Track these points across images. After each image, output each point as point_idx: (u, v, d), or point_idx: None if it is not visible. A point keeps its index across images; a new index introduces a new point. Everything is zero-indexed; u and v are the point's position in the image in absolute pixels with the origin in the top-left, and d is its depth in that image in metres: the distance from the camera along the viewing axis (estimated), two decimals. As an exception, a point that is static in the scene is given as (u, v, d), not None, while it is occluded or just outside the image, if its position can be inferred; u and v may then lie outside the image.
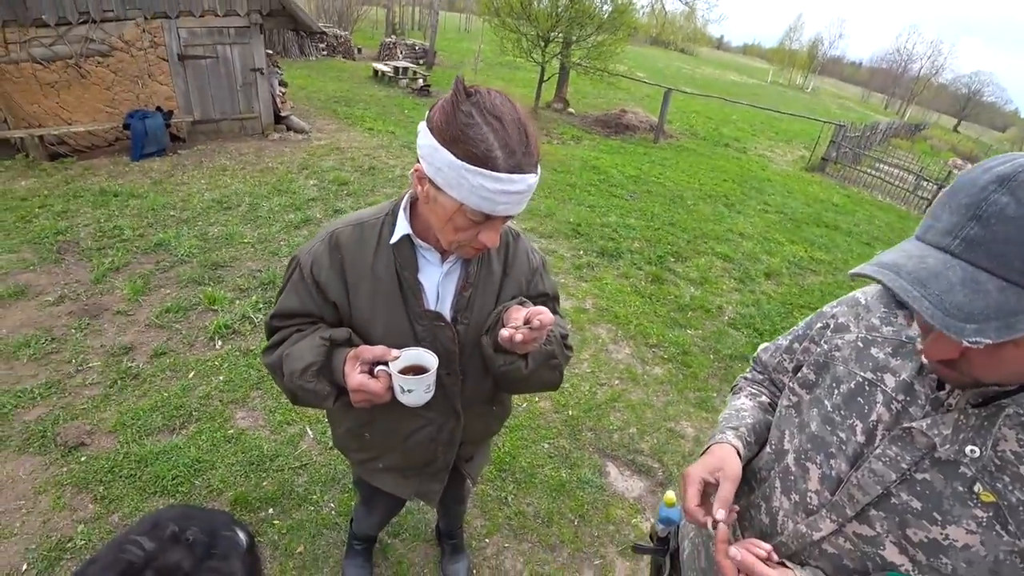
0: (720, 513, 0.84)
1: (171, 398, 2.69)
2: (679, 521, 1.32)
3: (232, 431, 2.56)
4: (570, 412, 3.03)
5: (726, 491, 0.86)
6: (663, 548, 1.33)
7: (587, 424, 2.97)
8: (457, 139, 0.85)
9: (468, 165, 0.84)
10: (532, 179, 0.90)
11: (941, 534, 0.70)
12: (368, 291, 1.07)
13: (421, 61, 15.58)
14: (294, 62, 12.95)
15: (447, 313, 1.11)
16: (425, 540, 2.20)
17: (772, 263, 5.78)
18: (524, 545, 2.27)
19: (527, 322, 0.97)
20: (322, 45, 14.77)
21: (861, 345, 0.85)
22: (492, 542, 2.26)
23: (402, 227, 1.05)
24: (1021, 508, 0.65)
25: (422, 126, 0.91)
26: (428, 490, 1.40)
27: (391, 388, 1.00)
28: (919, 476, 0.72)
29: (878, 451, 0.75)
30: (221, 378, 2.88)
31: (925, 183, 12.16)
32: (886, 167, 13.09)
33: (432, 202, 0.94)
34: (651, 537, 1.40)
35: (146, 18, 5.88)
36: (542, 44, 11.07)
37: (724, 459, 0.91)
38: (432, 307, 1.10)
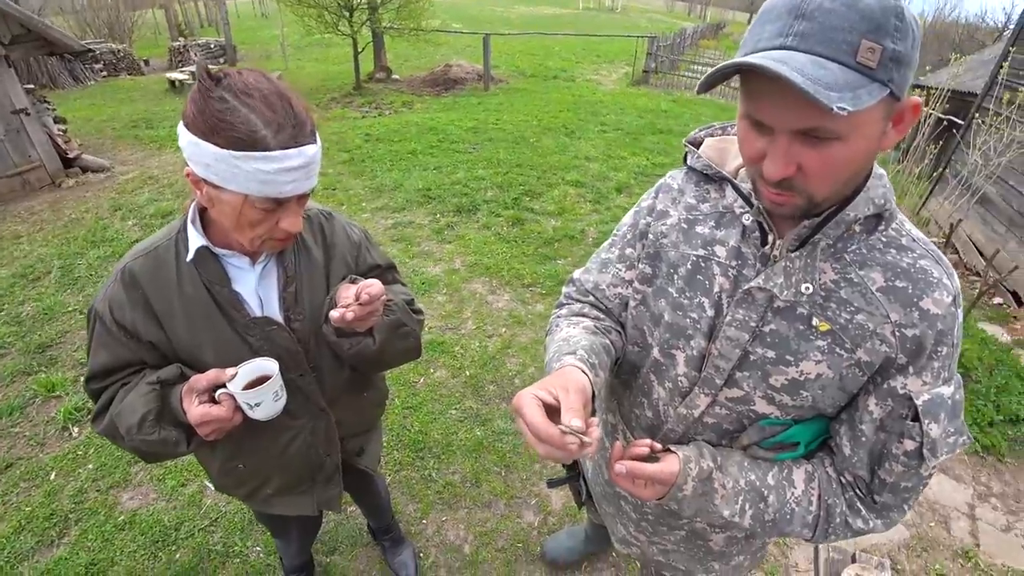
0: (575, 422, 0.67)
1: (36, 510, 2.37)
2: None
3: (122, 517, 2.32)
4: (467, 372, 3.09)
5: (572, 400, 0.70)
6: (575, 474, 1.36)
7: (487, 378, 3.06)
8: (216, 128, 0.79)
9: (235, 152, 0.79)
10: (311, 150, 0.86)
11: (796, 371, 0.79)
12: (183, 318, 0.99)
13: (222, 60, 14.15)
14: (68, 92, 11.15)
15: (277, 315, 1.06)
16: (363, 545, 2.18)
17: (620, 178, 6.15)
18: (461, 512, 2.33)
19: (357, 298, 0.95)
20: (98, 65, 12.80)
21: (685, 226, 0.89)
22: (430, 521, 2.29)
23: (195, 240, 0.96)
24: (849, 326, 0.75)
25: (180, 126, 0.85)
26: (328, 497, 1.36)
27: (238, 409, 0.95)
28: (766, 328, 0.79)
29: (728, 318, 0.82)
30: (90, 466, 2.58)
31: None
32: (699, 67, 14.24)
33: (217, 203, 0.88)
34: (563, 465, 1.45)
35: None
36: (347, 15, 10.47)
37: (561, 374, 0.78)
38: (259, 313, 1.04)
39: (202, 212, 1.01)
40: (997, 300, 5.17)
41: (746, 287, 0.79)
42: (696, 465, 0.84)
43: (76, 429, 2.81)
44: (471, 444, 2.64)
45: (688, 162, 0.93)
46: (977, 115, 6.65)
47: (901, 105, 0.64)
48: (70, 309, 3.78)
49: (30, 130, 5.88)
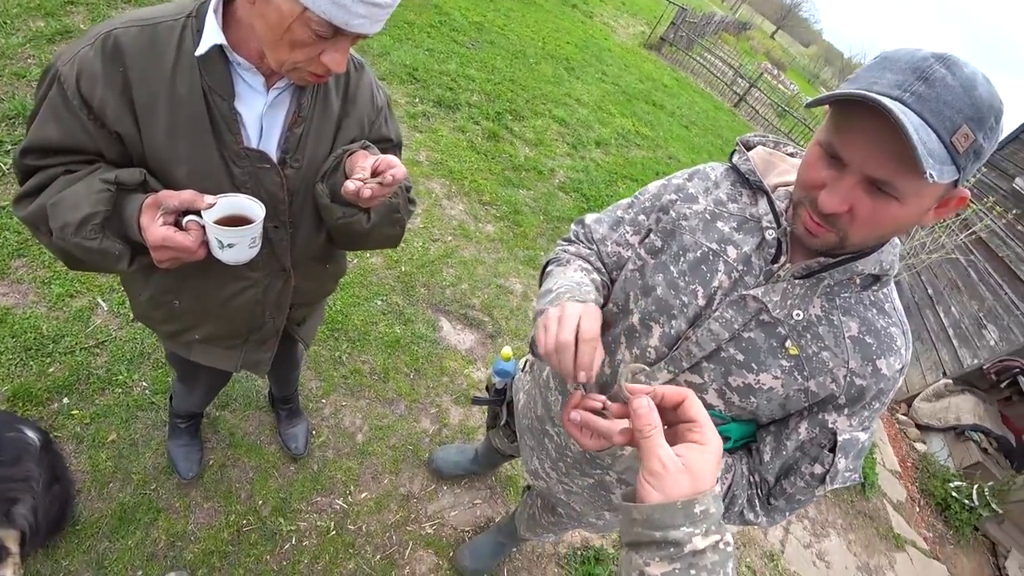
0: (582, 375, 0.78)
1: None
2: (514, 374, 1.39)
3: (-9, 310, 2.03)
4: (403, 268, 2.98)
5: (588, 355, 0.79)
6: (499, 399, 1.40)
7: (420, 280, 2.97)
8: None
9: None
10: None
11: (755, 380, 0.85)
12: (166, 119, 0.82)
13: None
14: None
15: (273, 153, 0.92)
16: (258, 408, 2.08)
17: (603, 132, 6.02)
18: (362, 402, 2.28)
19: (375, 173, 0.85)
20: None
21: (708, 217, 0.92)
22: (329, 402, 2.22)
23: (212, 34, 0.79)
24: (814, 359, 0.82)
25: None
26: (257, 360, 1.24)
27: (205, 243, 0.82)
28: (746, 335, 0.85)
29: (716, 313, 0.86)
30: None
31: (740, 80, 13.36)
32: (712, 58, 14.04)
33: (262, 3, 0.73)
34: (487, 388, 1.48)
35: None
36: None
37: (589, 309, 0.84)
38: (254, 144, 0.90)
39: (227, 3, 0.83)
40: None
41: (743, 292, 0.84)
42: None
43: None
44: (388, 339, 2.57)
45: (734, 160, 0.95)
46: None
47: (954, 192, 0.69)
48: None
49: None
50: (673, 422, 0.61)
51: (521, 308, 3.14)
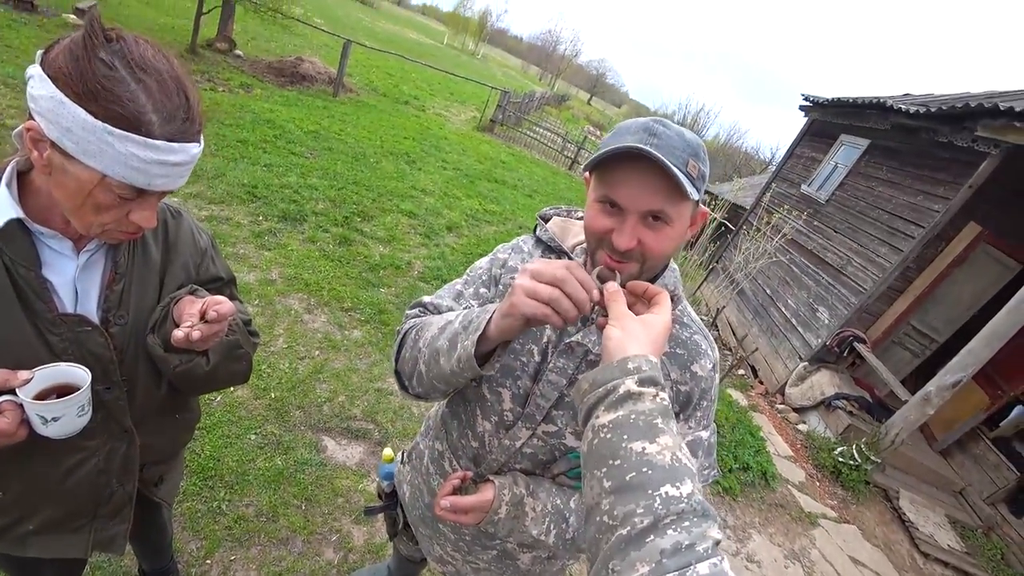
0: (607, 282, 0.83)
1: None
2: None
3: None
4: (272, 395, 2.88)
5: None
6: (392, 502, 1.39)
7: (293, 403, 2.88)
8: (96, 94, 0.68)
9: (113, 128, 0.69)
10: (196, 149, 0.78)
11: None
12: None
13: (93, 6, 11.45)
14: None
15: (93, 314, 0.90)
16: None
17: (452, 217, 6.38)
18: (253, 551, 2.11)
19: (203, 316, 0.86)
20: None
21: None
22: (215, 561, 2.03)
23: (7, 209, 0.79)
24: None
25: (35, 71, 0.71)
26: (111, 536, 1.13)
27: (26, 421, 0.79)
28: (580, 377, 0.95)
29: (551, 364, 0.96)
30: None
31: (568, 144, 14.95)
32: (541, 130, 15.59)
33: (59, 172, 0.74)
34: (379, 495, 1.46)
35: None
36: (192, -32, 9.32)
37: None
38: (70, 309, 0.87)
39: (21, 175, 0.82)
40: (741, 371, 6.50)
41: (568, 340, 0.95)
42: (509, 491, 0.99)
43: None
44: (270, 474, 2.43)
45: (537, 232, 1.12)
46: (745, 226, 8.46)
47: (698, 211, 0.88)
48: None
49: None
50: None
51: (404, 407, 3.14)
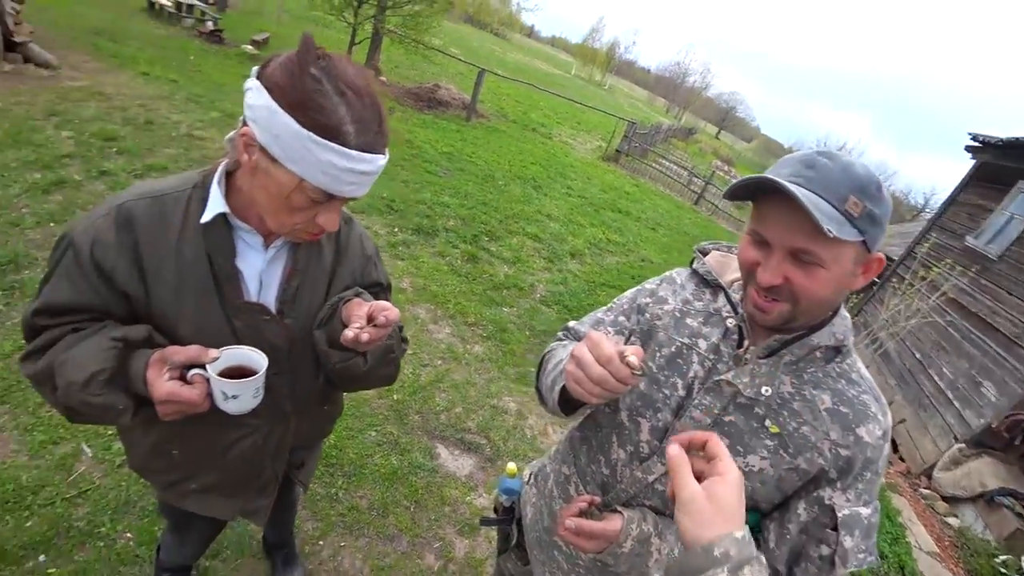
0: (633, 358, 0.78)
1: None
2: (520, 490, 1.38)
3: (-37, 465, 1.94)
4: (395, 397, 2.94)
5: (632, 348, 0.82)
6: (509, 517, 1.39)
7: (413, 407, 2.93)
8: (304, 105, 0.74)
9: (316, 136, 0.74)
10: (382, 160, 0.83)
11: (743, 463, 0.88)
12: (172, 280, 0.89)
13: (211, 1, 13.45)
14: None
15: (271, 305, 0.98)
16: (252, 555, 1.94)
17: (576, 244, 6.29)
18: (361, 540, 2.16)
19: (371, 319, 0.90)
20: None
21: (678, 315, 1.01)
22: (327, 543, 2.10)
23: (216, 204, 0.88)
24: (796, 435, 0.86)
25: (254, 83, 0.78)
26: (255, 508, 1.24)
27: (210, 395, 0.86)
28: (727, 418, 0.90)
29: (696, 401, 0.91)
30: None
31: (696, 179, 14.42)
32: (667, 163, 15.23)
33: (263, 175, 0.81)
34: (495, 509, 1.45)
35: None
36: (355, 4, 10.33)
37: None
38: (254, 298, 0.96)
39: (227, 176, 0.92)
40: None
41: (717, 378, 0.90)
42: (638, 527, 0.93)
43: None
44: (385, 471, 2.48)
45: (694, 265, 1.08)
46: (893, 279, 7.45)
47: (870, 256, 0.81)
48: (-42, 207, 3.27)
49: (-27, 0, 5.22)
50: (702, 470, 0.70)
51: (517, 427, 3.09)
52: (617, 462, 1.03)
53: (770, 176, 0.76)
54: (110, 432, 2.19)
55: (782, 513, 0.90)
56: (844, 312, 0.90)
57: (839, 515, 0.83)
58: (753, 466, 0.88)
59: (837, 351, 0.89)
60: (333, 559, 2.07)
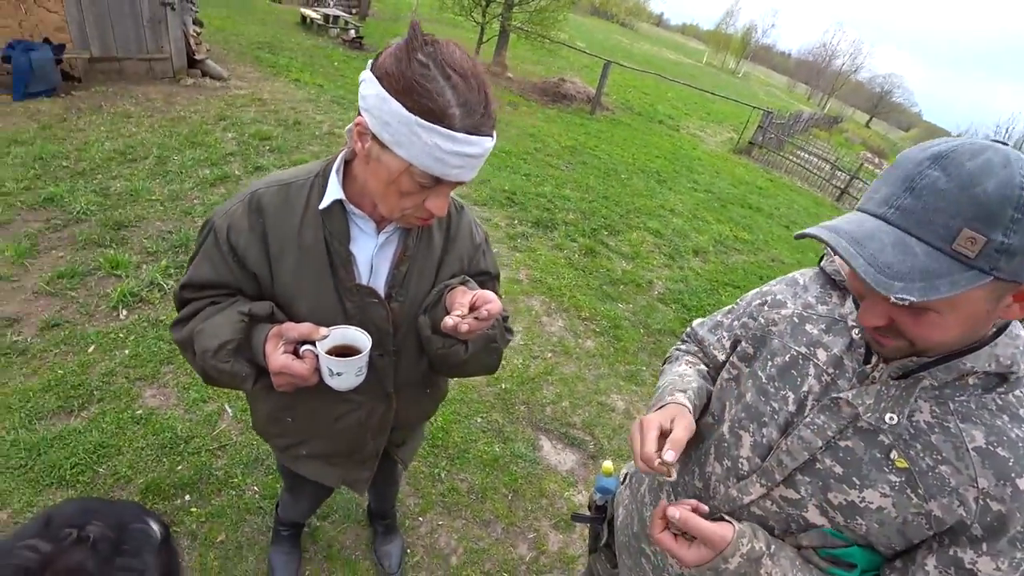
0: (669, 455, 0.82)
1: (67, 376, 2.42)
2: (615, 490, 1.35)
3: (140, 411, 2.34)
4: (503, 385, 3.02)
5: (679, 435, 0.85)
6: (601, 516, 1.36)
7: (520, 397, 2.98)
8: (411, 90, 0.76)
9: (422, 120, 0.76)
10: (489, 143, 0.83)
11: (858, 497, 0.76)
12: (293, 262, 0.97)
13: (354, 11, 14.64)
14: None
15: (381, 289, 1.03)
16: (356, 521, 2.13)
17: (700, 240, 5.99)
18: (458, 522, 2.26)
19: (473, 308, 0.91)
20: (242, -17, 13.50)
21: (797, 320, 0.90)
22: (426, 520, 2.23)
23: (334, 191, 0.94)
24: (929, 474, 0.71)
25: (367, 74, 0.81)
26: (356, 478, 1.33)
27: (318, 370, 0.93)
28: (842, 443, 0.78)
29: (807, 419, 0.80)
30: (126, 352, 2.63)
31: (839, 173, 13.02)
32: (806, 155, 13.87)
33: (374, 162, 0.85)
34: (589, 507, 1.44)
35: (28, -67, 5.09)
36: (483, 3, 10.68)
37: (680, 412, 0.91)
38: (364, 281, 1.01)
39: (345, 165, 0.98)
40: None
41: (834, 395, 0.78)
42: (749, 542, 0.81)
43: (125, 312, 2.87)
44: (487, 457, 2.57)
45: (822, 263, 0.95)
46: None
47: (1021, 288, 0.62)
48: (154, 197, 3.91)
49: (170, 23, 6.19)
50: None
51: (624, 426, 3.02)
52: (711, 476, 0.95)
53: (825, 236, 0.63)
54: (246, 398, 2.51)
55: (905, 564, 0.76)
56: (1017, 329, 0.72)
57: None
58: (871, 502, 0.75)
59: (1002, 379, 0.71)
60: (430, 535, 2.18)
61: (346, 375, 0.93)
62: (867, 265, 0.60)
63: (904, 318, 0.65)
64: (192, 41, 6.46)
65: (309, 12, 11.70)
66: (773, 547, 0.83)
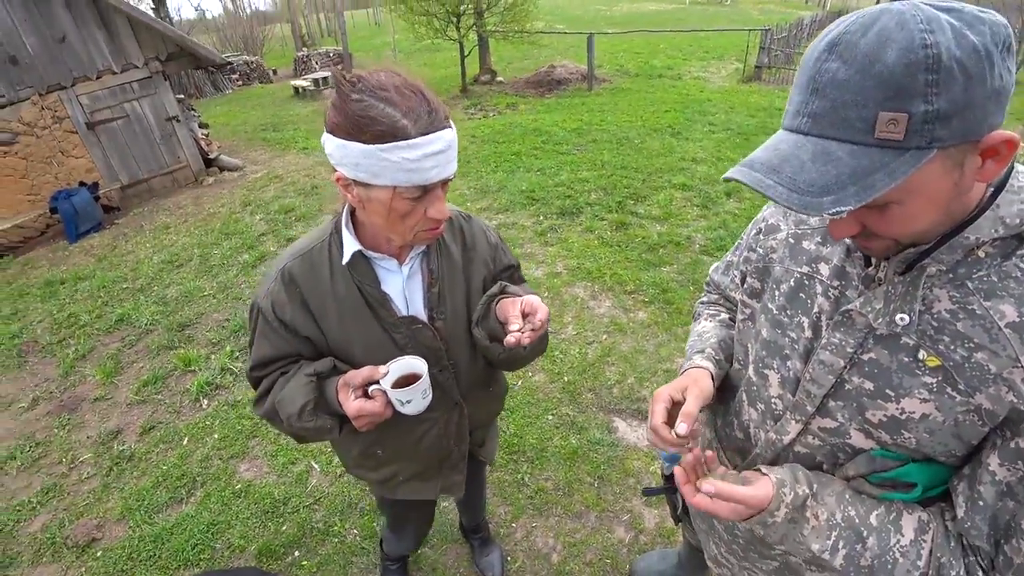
0: (682, 427, 0.84)
1: (171, 470, 2.65)
2: (680, 457, 1.34)
3: (239, 486, 2.53)
4: (566, 378, 3.03)
5: (691, 405, 0.87)
6: (672, 486, 1.31)
7: (585, 385, 2.98)
8: (359, 126, 0.82)
9: (382, 146, 0.82)
10: (448, 134, 0.88)
11: (897, 409, 0.71)
12: (336, 316, 1.06)
13: (340, 67, 15.17)
14: (210, 100, 12.53)
15: (422, 314, 1.11)
16: (454, 541, 2.20)
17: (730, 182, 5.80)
18: (551, 520, 2.28)
19: (525, 315, 0.99)
20: (235, 76, 14.30)
21: (792, 241, 0.86)
22: (519, 525, 2.27)
23: (350, 244, 1.02)
24: (966, 365, 0.65)
25: (324, 136, 0.89)
26: (453, 483, 1.41)
27: (390, 403, 1.00)
28: (865, 357, 0.73)
29: (824, 341, 0.76)
30: (216, 436, 2.84)
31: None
32: (818, 59, 13.14)
33: (367, 202, 0.91)
34: (663, 477, 1.42)
35: (41, 94, 5.61)
36: (454, 20, 10.82)
37: (694, 378, 0.93)
38: (404, 313, 1.09)
39: (351, 216, 1.06)
40: None
41: (844, 309, 0.73)
42: (791, 491, 0.77)
43: (206, 401, 3.10)
44: (566, 452, 2.58)
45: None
46: None
47: (983, 143, 0.54)
48: (206, 293, 4.19)
49: (180, 134, 6.64)
50: None
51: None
52: (749, 423, 0.93)
53: (737, 176, 0.61)
54: (329, 450, 2.64)
55: (972, 470, 0.70)
56: (1016, 183, 0.64)
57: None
58: (912, 412, 0.70)
59: (1020, 240, 0.64)
60: (527, 539, 2.21)
61: (414, 401, 1.01)
62: (788, 192, 0.56)
63: (871, 220, 0.62)
64: (203, 143, 6.90)
65: (299, 82, 12.24)
66: (816, 486, 0.79)
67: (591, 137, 7.31)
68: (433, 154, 0.85)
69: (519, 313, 1.00)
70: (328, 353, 1.08)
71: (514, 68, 13.80)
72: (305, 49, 17.50)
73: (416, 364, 1.03)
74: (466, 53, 11.17)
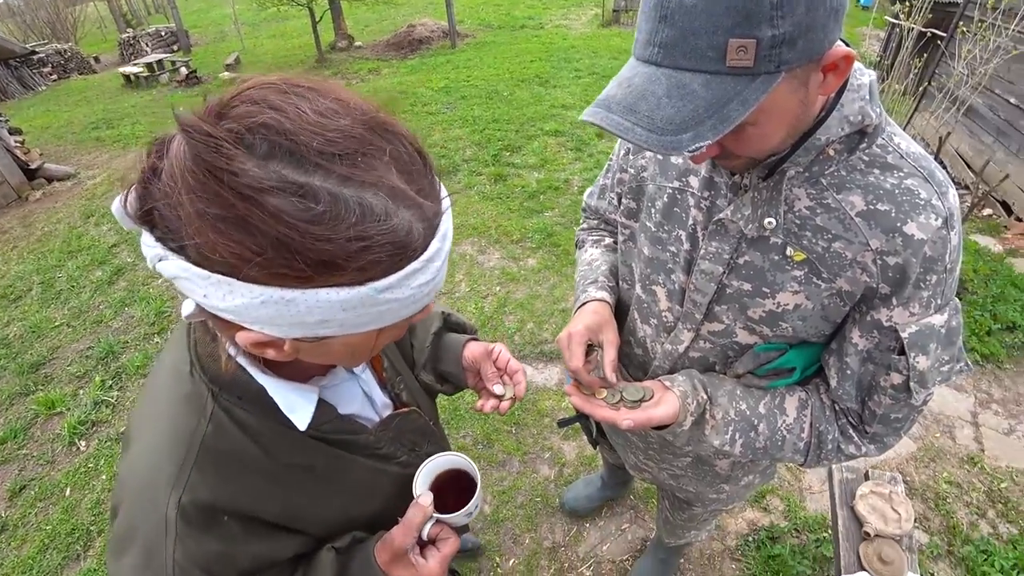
0: (613, 377, 0.90)
1: (57, 528, 2.36)
2: None
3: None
4: (468, 337, 3.06)
5: (611, 356, 0.92)
6: (582, 414, 1.36)
7: (487, 338, 2.94)
8: (333, 263, 0.44)
9: (381, 282, 0.46)
10: (447, 203, 0.55)
11: (774, 304, 0.78)
12: (299, 494, 0.71)
13: (175, 48, 13.55)
14: (20, 101, 10.69)
15: (390, 406, 0.88)
16: None
17: (599, 122, 5.98)
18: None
19: (501, 374, 0.93)
20: (47, 69, 12.26)
21: (660, 157, 0.88)
22: None
23: (300, 401, 0.65)
24: (827, 255, 0.72)
25: (217, 279, 0.44)
26: None
27: (453, 528, 0.80)
28: (741, 260, 0.79)
29: (702, 251, 0.81)
30: (104, 477, 2.57)
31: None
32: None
33: (313, 353, 0.57)
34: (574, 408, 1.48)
35: None
36: (298, -16, 9.99)
37: (602, 320, 0.95)
38: (379, 415, 0.84)
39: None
40: (987, 211, 5.11)
41: (717, 218, 0.77)
42: (693, 400, 0.86)
43: (83, 443, 2.79)
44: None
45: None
46: (961, 24, 6.40)
47: (824, 60, 0.57)
48: (57, 324, 3.71)
49: (-14, 146, 5.66)
50: None
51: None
52: (645, 339, 0.98)
53: (594, 120, 0.59)
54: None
55: (839, 345, 0.79)
56: (858, 79, 0.68)
57: (903, 336, 0.70)
58: (787, 304, 0.77)
59: (861, 135, 0.69)
60: None
61: (477, 505, 0.83)
62: (647, 133, 0.55)
63: (727, 141, 0.63)
64: (19, 152, 5.94)
65: (129, 69, 10.76)
66: (710, 390, 0.87)
67: (460, 94, 7.18)
68: (443, 254, 0.52)
69: (496, 371, 0.90)
70: (319, 539, 0.76)
71: (372, 31, 13.09)
72: (130, 30, 15.32)
73: (439, 463, 0.84)
74: (318, 19, 10.39)
